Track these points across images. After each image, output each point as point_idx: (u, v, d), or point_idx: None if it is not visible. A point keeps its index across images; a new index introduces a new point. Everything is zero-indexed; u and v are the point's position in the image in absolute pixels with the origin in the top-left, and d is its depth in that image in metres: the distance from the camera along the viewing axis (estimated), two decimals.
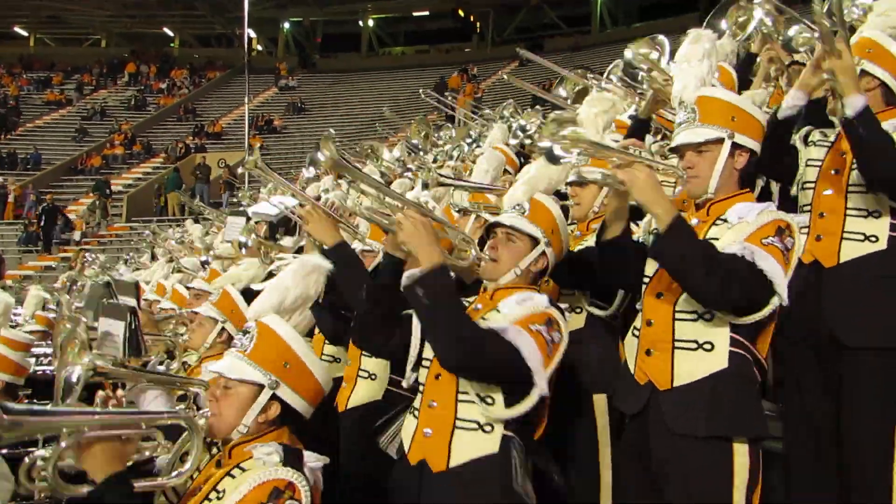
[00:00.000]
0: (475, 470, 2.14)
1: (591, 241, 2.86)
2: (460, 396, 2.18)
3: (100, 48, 33.92)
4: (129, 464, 2.06)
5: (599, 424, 2.74)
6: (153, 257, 10.46)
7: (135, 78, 30.27)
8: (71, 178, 22.54)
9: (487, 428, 2.15)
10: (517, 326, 2.11)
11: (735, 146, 2.22)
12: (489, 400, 2.13)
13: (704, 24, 3.55)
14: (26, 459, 1.97)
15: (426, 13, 31.50)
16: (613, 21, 28.37)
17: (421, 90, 11.07)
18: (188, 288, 5.03)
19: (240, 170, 20.32)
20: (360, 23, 32.21)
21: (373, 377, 3.11)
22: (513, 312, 2.18)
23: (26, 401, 3.24)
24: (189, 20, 32.34)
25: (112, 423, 2.01)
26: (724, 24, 3.56)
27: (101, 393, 2.23)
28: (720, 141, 2.21)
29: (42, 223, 18.39)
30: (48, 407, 2.01)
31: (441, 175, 3.88)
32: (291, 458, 1.98)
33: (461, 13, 31.26)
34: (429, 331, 2.18)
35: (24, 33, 33.81)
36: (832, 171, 2.63)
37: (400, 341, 2.35)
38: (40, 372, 4.68)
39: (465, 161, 6.20)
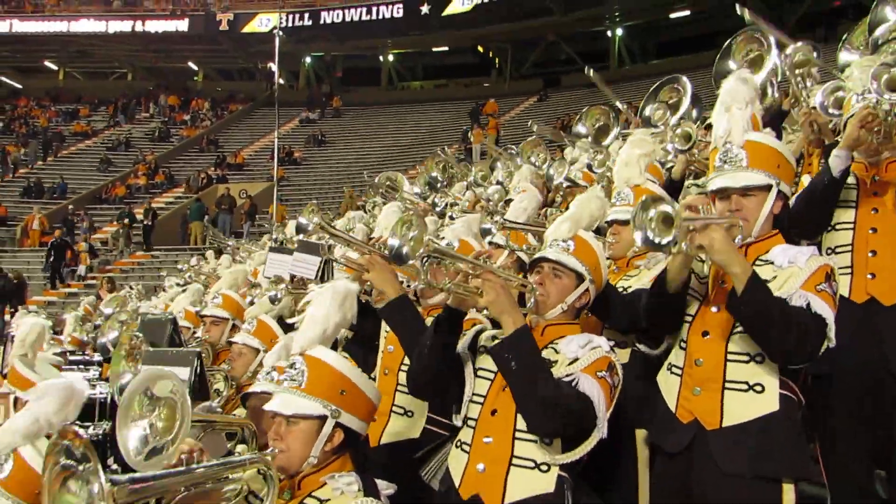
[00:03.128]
0: None
1: (633, 279, 2.94)
2: (518, 434, 2.22)
3: (125, 81, 34.63)
4: None
5: (640, 459, 2.77)
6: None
7: (159, 110, 30.86)
8: (95, 206, 22.84)
9: (544, 467, 2.19)
10: (587, 375, 2.17)
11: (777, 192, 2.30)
12: (547, 441, 2.19)
13: (714, 65, 3.62)
14: None
15: (445, 48, 31.95)
16: (631, 58, 28.61)
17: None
18: (201, 316, 5.08)
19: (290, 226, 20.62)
20: (381, 57, 32.71)
21: (409, 414, 3.07)
22: (581, 359, 2.22)
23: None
24: (212, 54, 32.99)
25: (205, 477, 2.01)
26: (731, 64, 3.62)
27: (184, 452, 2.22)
28: (768, 187, 2.29)
29: (51, 258, 18.50)
30: (148, 473, 2.00)
31: (508, 221, 3.89)
32: (369, 487, 2.05)
33: (480, 49, 31.70)
34: (517, 395, 2.20)
35: (54, 67, 34.62)
36: (872, 210, 2.71)
37: (455, 384, 2.39)
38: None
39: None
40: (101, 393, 4.31)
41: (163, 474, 1.97)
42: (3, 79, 34.43)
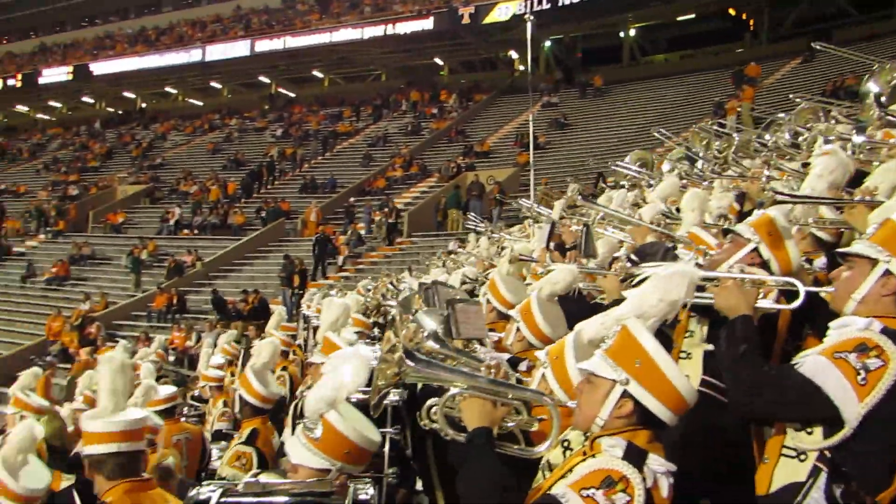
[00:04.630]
0: None
1: None
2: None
3: (380, 82, 37.43)
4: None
5: None
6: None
7: (411, 106, 32.96)
8: (360, 198, 25.01)
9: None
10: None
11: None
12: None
13: None
14: (427, 403, 2.37)
15: (692, 16, 30.19)
16: None
17: (657, 131, 10.33)
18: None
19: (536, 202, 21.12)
20: (621, 34, 31.81)
21: None
22: None
23: None
24: (455, 48, 34.39)
25: (483, 387, 2.31)
26: None
27: (488, 366, 2.47)
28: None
29: (315, 251, 20.42)
30: (441, 363, 2.37)
31: (778, 192, 3.60)
32: (632, 455, 2.02)
33: (732, 12, 29.47)
34: None
35: (320, 75, 38.49)
36: None
37: None
38: None
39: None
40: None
41: (449, 368, 2.39)
42: (281, 90, 39.03)
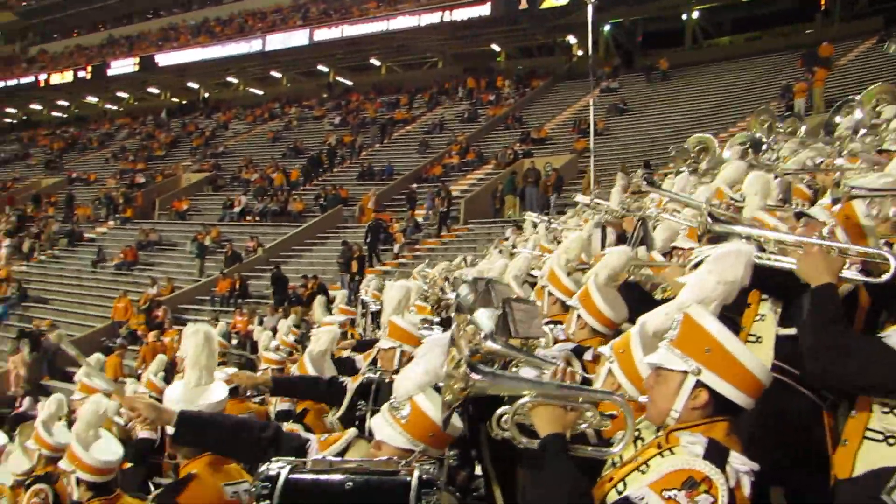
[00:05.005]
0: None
1: None
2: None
3: (437, 69, 37.44)
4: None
5: None
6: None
7: (468, 93, 32.88)
8: (418, 185, 25.12)
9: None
10: None
11: None
12: None
13: None
14: (497, 412, 2.31)
15: None
16: None
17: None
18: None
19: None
20: (684, 16, 31.01)
21: None
22: None
23: None
24: (512, 34, 34.09)
25: (552, 393, 2.27)
26: None
27: (555, 370, 2.45)
28: None
29: (367, 239, 20.55)
30: (507, 373, 2.32)
31: (854, 187, 3.45)
32: (713, 454, 1.95)
33: None
34: None
35: (377, 63, 38.73)
36: None
37: None
38: None
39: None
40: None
41: (515, 377, 2.37)
42: (339, 78, 39.43)
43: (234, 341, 15.47)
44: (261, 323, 15.47)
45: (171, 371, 8.96)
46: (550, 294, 4.49)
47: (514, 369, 3.10)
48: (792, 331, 2.67)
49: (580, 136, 25.24)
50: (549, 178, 21.46)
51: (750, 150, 8.17)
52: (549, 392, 2.26)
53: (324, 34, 35.41)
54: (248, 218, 26.09)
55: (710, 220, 3.11)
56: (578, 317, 3.76)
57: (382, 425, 2.63)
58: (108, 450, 3.46)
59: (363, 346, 6.94)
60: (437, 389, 2.59)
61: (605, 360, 2.81)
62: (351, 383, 4.26)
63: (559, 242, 8.21)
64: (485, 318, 2.94)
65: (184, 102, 43.84)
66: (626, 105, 27.10)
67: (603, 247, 6.00)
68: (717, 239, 3.62)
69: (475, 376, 2.21)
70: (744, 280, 2.55)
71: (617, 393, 2.36)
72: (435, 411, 2.57)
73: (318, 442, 2.83)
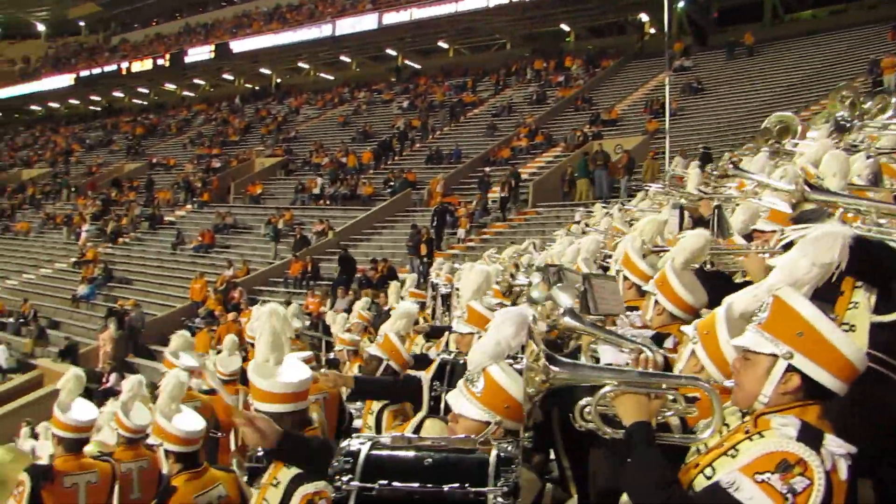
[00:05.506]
0: None
1: None
2: None
3: (505, 51, 37.14)
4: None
5: None
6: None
7: (536, 75, 32.51)
8: (485, 168, 25.05)
9: None
10: None
11: None
12: None
13: None
14: (580, 403, 2.29)
15: None
16: None
17: None
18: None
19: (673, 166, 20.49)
20: None
21: None
22: None
23: None
24: (582, 13, 33.46)
25: (635, 381, 2.24)
26: None
27: (636, 358, 2.42)
28: None
29: (434, 223, 20.55)
30: (587, 363, 2.30)
31: None
32: (807, 436, 1.90)
33: None
34: None
35: (445, 46, 38.69)
36: None
37: None
38: None
39: None
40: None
41: (596, 367, 2.36)
42: (407, 62, 39.60)
43: (307, 322, 15.84)
44: (332, 305, 15.81)
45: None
46: (626, 279, 4.39)
47: (592, 346, 3.09)
48: (889, 317, 2.55)
49: (652, 116, 24.67)
50: (619, 160, 21.08)
51: (834, 130, 7.84)
52: (632, 380, 2.23)
53: (392, 18, 35.55)
54: (318, 202, 26.57)
55: (807, 188, 3.00)
56: (656, 302, 3.67)
57: (458, 399, 2.64)
58: (191, 421, 3.61)
59: (437, 332, 6.99)
60: (514, 359, 2.60)
61: (688, 341, 2.75)
62: (425, 375, 4.29)
63: (632, 224, 8.08)
64: (563, 294, 2.93)
65: (256, 88, 44.89)
66: (700, 84, 26.29)
67: (680, 229, 5.86)
68: (800, 220, 3.51)
69: (555, 368, 2.20)
70: (840, 263, 2.47)
71: (703, 379, 2.32)
72: (509, 382, 2.58)
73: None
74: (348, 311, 11.88)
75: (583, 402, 2.25)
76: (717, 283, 3.78)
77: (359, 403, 6.04)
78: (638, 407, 2.17)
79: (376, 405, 4.93)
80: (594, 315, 3.80)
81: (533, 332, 2.25)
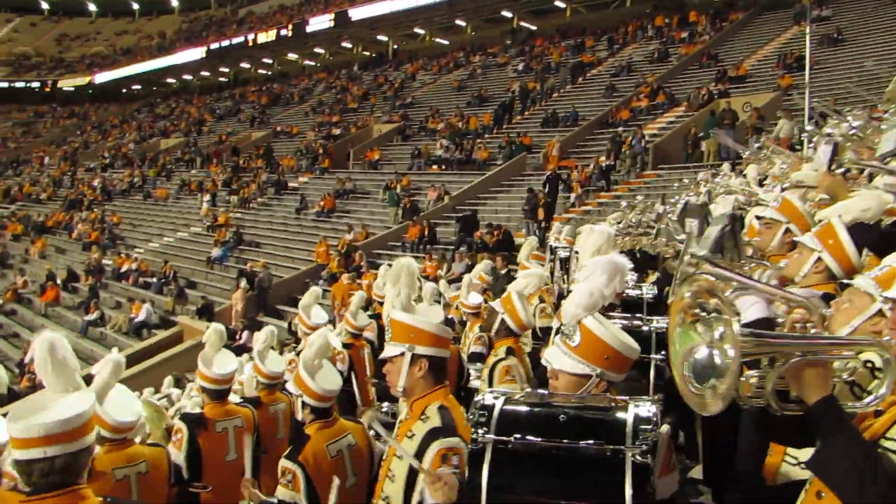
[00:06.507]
0: None
1: None
2: None
3: (625, 8, 35.78)
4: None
5: None
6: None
7: (657, 32, 31.16)
8: (603, 131, 24.42)
9: None
10: None
11: None
12: None
13: None
14: (747, 378, 2.01)
15: None
16: None
17: None
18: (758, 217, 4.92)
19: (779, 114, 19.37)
20: None
21: None
22: None
23: None
24: None
25: (819, 347, 1.99)
26: None
27: (796, 320, 2.20)
28: None
29: (546, 188, 20.11)
30: (773, 332, 2.07)
31: None
32: None
33: None
34: None
35: (562, 5, 37.72)
36: None
37: None
38: None
39: None
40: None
41: (784, 335, 2.06)
42: (522, 23, 38.95)
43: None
44: (449, 269, 16.00)
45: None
46: (788, 230, 3.94)
47: (728, 294, 2.85)
48: None
49: (785, 72, 23.12)
50: (748, 118, 19.93)
51: None
52: (818, 347, 1.97)
53: None
54: (434, 167, 26.82)
55: None
56: (819, 259, 3.28)
57: (557, 354, 2.62)
58: (330, 379, 3.78)
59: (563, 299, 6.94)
60: (612, 308, 2.53)
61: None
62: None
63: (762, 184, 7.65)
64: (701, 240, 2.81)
65: (374, 55, 45.61)
66: (840, 35, 24.33)
67: (830, 167, 5.44)
68: None
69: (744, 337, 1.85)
70: None
71: (884, 340, 2.04)
72: (605, 331, 2.54)
73: None
74: (464, 273, 11.99)
75: (750, 374, 1.98)
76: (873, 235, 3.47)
77: (478, 364, 6.14)
78: (820, 378, 1.90)
79: (492, 359, 4.97)
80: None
81: (725, 301, 1.93)
